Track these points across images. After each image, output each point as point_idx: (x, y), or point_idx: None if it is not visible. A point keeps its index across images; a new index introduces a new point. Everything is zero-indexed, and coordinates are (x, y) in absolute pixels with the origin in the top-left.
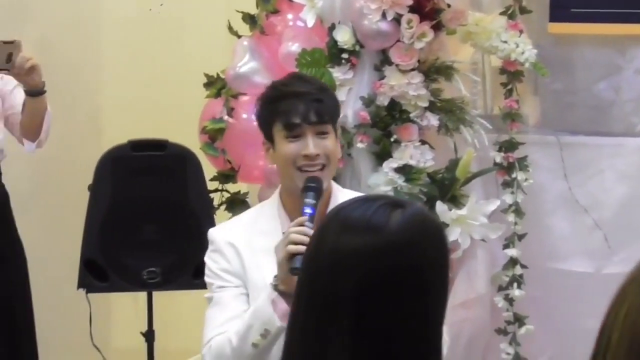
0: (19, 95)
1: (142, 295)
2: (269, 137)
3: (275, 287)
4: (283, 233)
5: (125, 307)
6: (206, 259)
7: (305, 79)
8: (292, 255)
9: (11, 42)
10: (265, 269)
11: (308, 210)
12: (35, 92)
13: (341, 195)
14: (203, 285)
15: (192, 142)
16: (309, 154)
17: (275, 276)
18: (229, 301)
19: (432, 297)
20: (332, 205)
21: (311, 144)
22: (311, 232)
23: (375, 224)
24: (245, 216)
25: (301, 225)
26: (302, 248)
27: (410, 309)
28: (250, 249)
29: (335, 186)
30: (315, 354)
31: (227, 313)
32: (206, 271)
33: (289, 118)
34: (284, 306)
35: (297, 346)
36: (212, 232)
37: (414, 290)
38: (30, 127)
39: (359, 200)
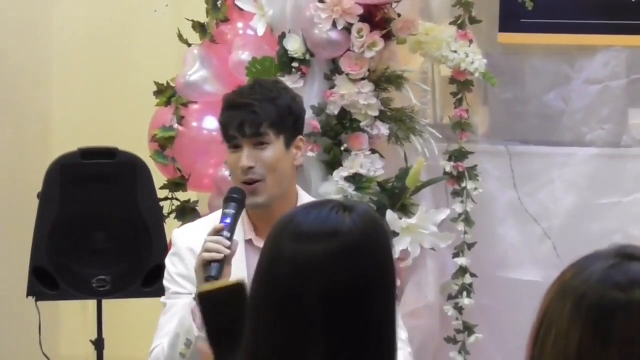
0: None
1: (92, 303)
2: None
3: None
4: (245, 241)
5: (74, 315)
6: (166, 260)
7: (257, 87)
8: (207, 263)
9: None
10: None
11: (227, 220)
12: None
13: (307, 200)
14: (153, 294)
15: (142, 150)
16: (241, 166)
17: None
18: (178, 310)
19: (392, 290)
20: None
21: (244, 156)
22: (227, 242)
23: (330, 229)
24: (208, 221)
25: (218, 233)
26: (216, 255)
27: (376, 305)
28: None
29: (301, 193)
30: None
31: (173, 323)
32: (165, 274)
33: (226, 129)
34: None
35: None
36: (175, 234)
37: (377, 285)
38: None
39: (308, 207)
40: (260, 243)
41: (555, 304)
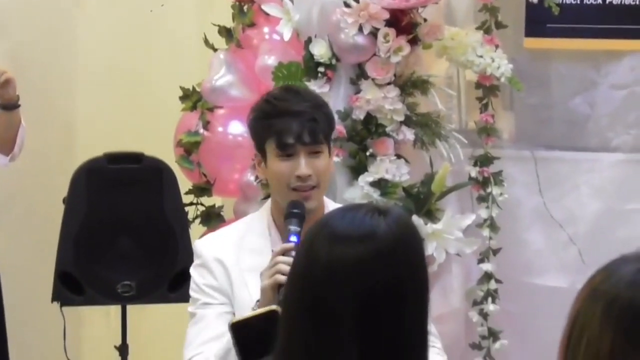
0: None
1: (115, 309)
2: (261, 151)
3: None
4: (272, 251)
5: (98, 320)
6: (192, 271)
7: (301, 94)
8: (279, 286)
9: None
10: (252, 288)
11: (293, 239)
12: (9, 106)
13: (333, 207)
14: (178, 299)
15: (168, 155)
16: (301, 175)
17: (258, 301)
18: (212, 320)
19: (425, 294)
20: None
21: (303, 165)
22: None
23: (365, 232)
24: (233, 231)
25: (287, 253)
26: None
27: (409, 310)
28: (238, 266)
29: (327, 201)
30: None
31: (209, 332)
32: (192, 284)
33: (282, 137)
34: None
35: None
36: (199, 246)
37: (410, 289)
38: (4, 141)
39: (343, 210)
40: None
41: (586, 309)
